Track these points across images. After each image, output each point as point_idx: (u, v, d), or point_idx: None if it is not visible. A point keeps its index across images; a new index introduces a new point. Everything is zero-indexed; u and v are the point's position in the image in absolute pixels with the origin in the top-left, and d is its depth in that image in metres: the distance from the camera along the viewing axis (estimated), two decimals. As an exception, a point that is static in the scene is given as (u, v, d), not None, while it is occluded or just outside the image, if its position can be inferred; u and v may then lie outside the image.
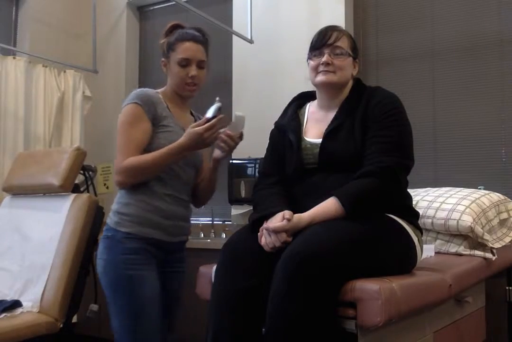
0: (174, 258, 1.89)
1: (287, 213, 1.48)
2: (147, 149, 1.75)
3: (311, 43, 1.71)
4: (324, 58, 1.65)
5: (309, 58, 1.72)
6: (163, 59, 1.88)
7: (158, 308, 1.75)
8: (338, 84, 1.68)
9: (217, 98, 1.72)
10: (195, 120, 1.93)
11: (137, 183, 1.76)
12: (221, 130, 1.73)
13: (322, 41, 1.67)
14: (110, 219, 1.81)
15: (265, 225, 1.50)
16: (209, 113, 1.70)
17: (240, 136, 1.79)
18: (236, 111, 1.76)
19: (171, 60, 1.84)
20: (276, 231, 1.45)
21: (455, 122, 3.11)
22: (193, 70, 1.81)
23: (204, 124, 1.68)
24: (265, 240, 1.48)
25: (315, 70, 1.68)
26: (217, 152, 1.83)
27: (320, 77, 1.67)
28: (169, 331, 1.92)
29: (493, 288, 2.32)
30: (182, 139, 1.70)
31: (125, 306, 1.72)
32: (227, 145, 1.77)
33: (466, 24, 3.12)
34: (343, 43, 1.67)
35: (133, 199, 1.78)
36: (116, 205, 1.82)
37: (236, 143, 1.79)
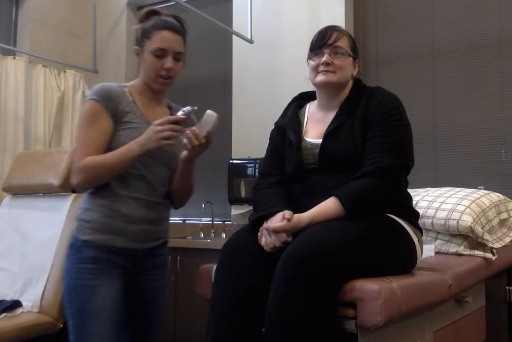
0: (146, 265, 1.73)
1: (287, 213, 1.48)
2: (108, 148, 1.62)
3: (311, 43, 1.71)
4: (324, 58, 1.65)
5: (309, 58, 1.72)
6: (136, 47, 1.72)
7: (115, 321, 1.61)
8: (338, 84, 1.68)
9: (196, 107, 1.61)
10: (171, 114, 1.78)
11: (96, 184, 1.63)
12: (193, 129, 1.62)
13: (322, 41, 1.67)
14: (73, 225, 1.69)
15: (265, 225, 1.50)
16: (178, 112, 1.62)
17: (207, 136, 1.61)
18: (209, 110, 1.62)
19: (145, 49, 1.68)
20: (276, 231, 1.45)
21: (455, 122, 3.11)
22: (169, 62, 1.66)
23: None
24: (265, 240, 1.48)
25: (315, 70, 1.68)
26: (183, 153, 1.69)
27: (320, 77, 1.67)
28: (150, 340, 1.81)
29: (493, 288, 2.32)
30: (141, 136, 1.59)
31: (75, 318, 1.60)
32: (190, 144, 1.60)
33: (466, 24, 3.12)
34: (343, 43, 1.67)
35: (94, 203, 1.65)
36: (78, 210, 1.69)
37: (201, 143, 1.60)
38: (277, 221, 1.48)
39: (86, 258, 1.60)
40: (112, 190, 1.63)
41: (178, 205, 1.85)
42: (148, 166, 1.67)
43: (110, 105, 1.64)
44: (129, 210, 1.64)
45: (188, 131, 1.59)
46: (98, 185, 1.63)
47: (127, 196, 1.64)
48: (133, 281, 1.69)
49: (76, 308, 1.59)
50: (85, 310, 1.57)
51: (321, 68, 1.66)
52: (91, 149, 1.59)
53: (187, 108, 1.60)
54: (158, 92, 1.76)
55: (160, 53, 1.66)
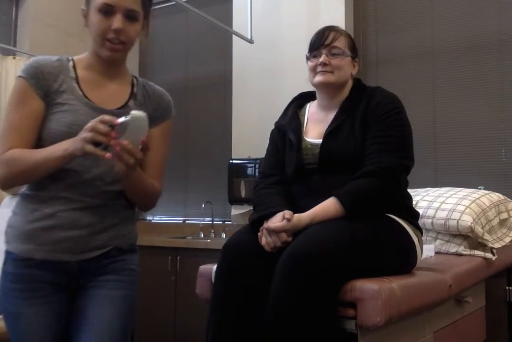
0: (88, 278, 1.36)
1: (287, 213, 1.48)
2: (39, 136, 1.32)
3: (310, 43, 1.72)
4: (322, 59, 1.65)
5: (308, 58, 1.72)
6: (83, 7, 1.37)
7: None
8: (337, 84, 1.68)
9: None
10: (132, 93, 1.44)
11: (21, 183, 1.36)
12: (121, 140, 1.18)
13: (320, 42, 1.67)
14: None
15: (265, 225, 1.50)
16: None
17: (144, 147, 1.21)
18: (134, 111, 1.19)
19: (91, 7, 1.33)
20: (276, 231, 1.45)
21: (455, 122, 3.11)
22: (117, 21, 1.30)
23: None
24: (265, 240, 1.48)
25: (313, 70, 1.69)
26: (118, 167, 1.22)
27: (318, 78, 1.67)
28: None
29: (493, 288, 2.32)
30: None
31: None
32: (124, 163, 1.19)
33: (466, 24, 3.12)
34: (341, 43, 1.67)
35: (20, 205, 1.37)
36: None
37: (138, 158, 1.20)
38: (277, 221, 1.48)
39: (7, 274, 1.34)
40: (40, 189, 1.34)
41: (143, 208, 1.49)
42: (87, 158, 1.29)
43: (40, 83, 1.32)
44: (55, 213, 1.32)
45: (120, 151, 1.17)
46: (24, 184, 1.36)
47: (55, 196, 1.33)
48: (78, 295, 1.36)
49: (9, 334, 1.34)
50: (14, 340, 1.33)
51: (319, 68, 1.66)
52: (17, 138, 1.29)
53: (137, 113, 1.18)
54: (112, 63, 1.40)
55: (107, 10, 1.30)
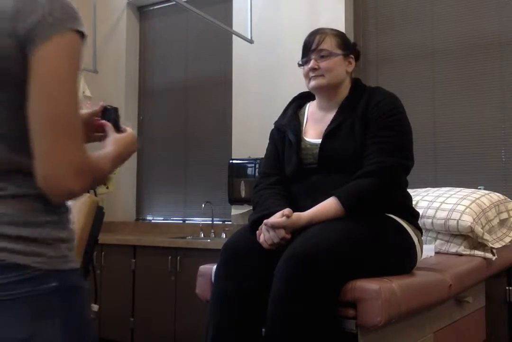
0: None
1: (286, 210, 1.48)
2: None
3: (302, 50, 1.74)
4: (310, 64, 1.68)
5: (300, 65, 1.74)
6: None
7: None
8: (330, 86, 1.69)
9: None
10: None
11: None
12: None
13: (307, 47, 1.70)
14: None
15: (264, 221, 1.50)
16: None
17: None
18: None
19: None
20: (274, 226, 1.45)
21: (455, 122, 3.10)
22: None
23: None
24: (264, 236, 1.47)
25: (307, 76, 1.72)
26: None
27: (311, 83, 1.70)
28: None
29: (493, 288, 2.32)
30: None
31: None
32: None
33: (466, 24, 3.12)
34: (327, 44, 1.68)
35: (37, 210, 0.93)
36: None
37: None
38: (276, 217, 1.48)
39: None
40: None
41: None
42: None
43: None
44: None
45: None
46: None
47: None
48: None
49: None
50: None
51: (311, 74, 1.68)
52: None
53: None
54: None
55: None
